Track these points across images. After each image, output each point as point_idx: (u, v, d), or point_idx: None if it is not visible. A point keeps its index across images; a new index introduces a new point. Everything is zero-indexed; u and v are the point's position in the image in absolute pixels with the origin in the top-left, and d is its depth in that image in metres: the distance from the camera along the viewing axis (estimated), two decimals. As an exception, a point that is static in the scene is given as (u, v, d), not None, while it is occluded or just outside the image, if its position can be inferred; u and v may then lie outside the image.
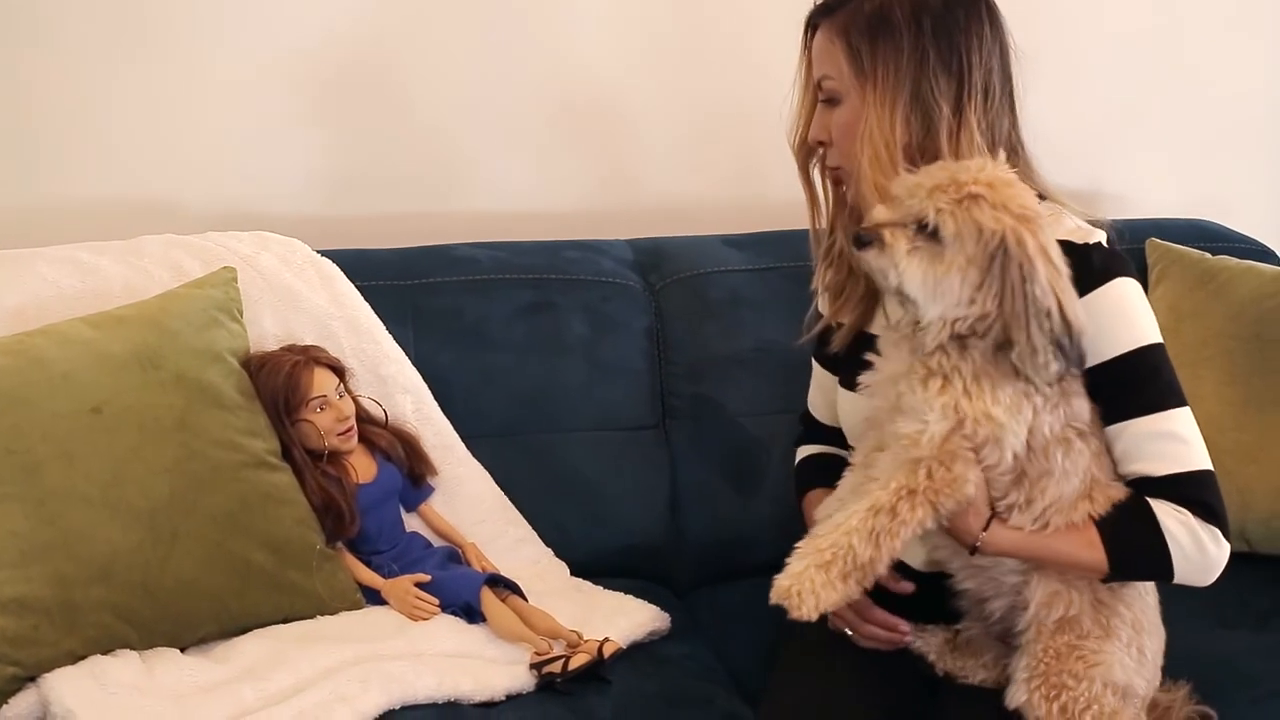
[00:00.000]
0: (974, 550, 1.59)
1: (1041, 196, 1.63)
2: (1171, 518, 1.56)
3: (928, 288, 1.50)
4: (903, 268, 1.50)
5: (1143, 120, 2.78)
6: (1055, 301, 1.47)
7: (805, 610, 1.49)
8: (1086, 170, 2.70)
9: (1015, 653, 1.63)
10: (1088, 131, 2.68)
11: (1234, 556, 1.60)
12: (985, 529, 1.57)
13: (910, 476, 1.52)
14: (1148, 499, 1.58)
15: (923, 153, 1.62)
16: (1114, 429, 1.59)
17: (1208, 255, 2.39)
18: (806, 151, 1.76)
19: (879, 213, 1.55)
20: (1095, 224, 1.65)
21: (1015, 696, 1.60)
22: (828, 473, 1.78)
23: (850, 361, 1.72)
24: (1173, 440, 1.57)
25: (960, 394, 1.51)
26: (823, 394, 1.92)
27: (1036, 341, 1.47)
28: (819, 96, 1.71)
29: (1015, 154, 1.67)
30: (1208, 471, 1.58)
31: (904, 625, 1.73)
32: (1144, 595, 1.64)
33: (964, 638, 1.73)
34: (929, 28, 1.62)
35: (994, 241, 1.47)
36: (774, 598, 1.51)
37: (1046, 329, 1.47)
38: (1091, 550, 1.57)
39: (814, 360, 1.93)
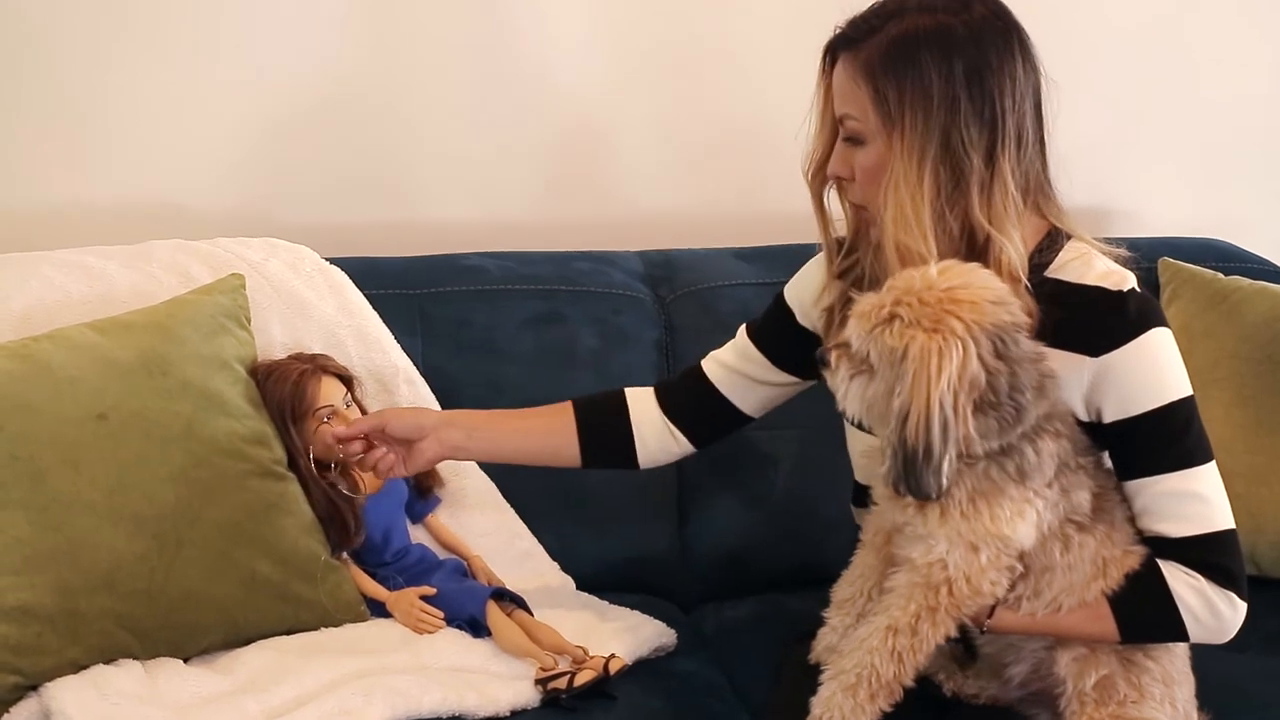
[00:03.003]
0: (983, 631, 1.59)
1: (1069, 236, 1.61)
2: (1184, 584, 1.54)
3: (863, 410, 1.50)
4: (841, 392, 1.51)
5: (1154, 138, 2.76)
6: (904, 411, 1.42)
7: None
8: (1097, 187, 2.69)
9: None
10: (1098, 148, 2.66)
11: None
12: (990, 616, 1.57)
13: (930, 596, 1.52)
14: (1161, 565, 1.56)
15: (951, 206, 1.55)
16: (1136, 484, 1.57)
17: (1220, 275, 2.38)
18: (822, 180, 1.68)
19: (850, 329, 1.51)
20: (1119, 259, 1.61)
21: None
22: (603, 426, 1.83)
23: None
24: (1195, 500, 1.55)
25: (959, 520, 1.49)
26: (745, 384, 1.85)
27: (882, 441, 1.47)
28: (840, 132, 1.62)
29: (1044, 197, 1.62)
30: (1228, 531, 1.56)
31: None
32: (1171, 646, 1.62)
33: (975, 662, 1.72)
34: (960, 71, 1.51)
35: (899, 359, 1.44)
36: None
37: (889, 431, 1.45)
38: (1102, 623, 1.56)
39: (763, 355, 1.84)
